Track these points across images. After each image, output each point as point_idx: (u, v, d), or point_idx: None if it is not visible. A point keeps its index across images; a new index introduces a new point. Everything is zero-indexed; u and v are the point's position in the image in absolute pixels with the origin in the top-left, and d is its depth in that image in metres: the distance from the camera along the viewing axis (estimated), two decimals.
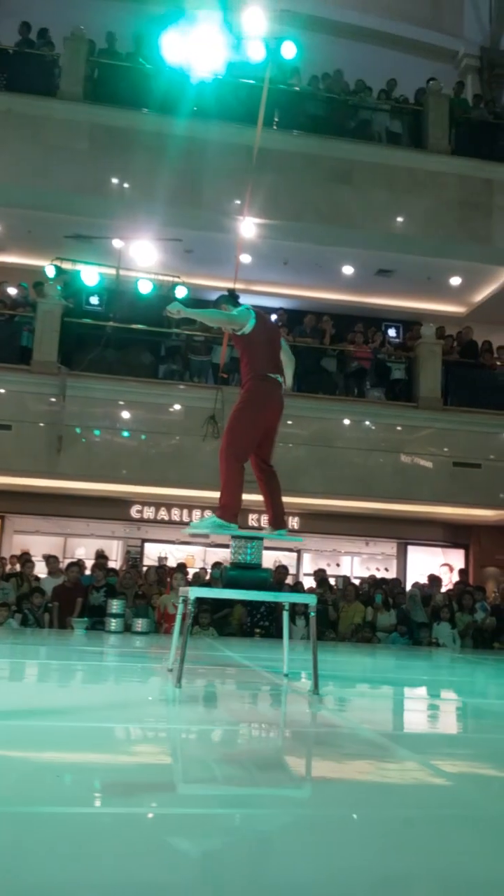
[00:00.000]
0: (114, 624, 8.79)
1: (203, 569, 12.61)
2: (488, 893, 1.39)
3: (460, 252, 13.46)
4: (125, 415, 12.32)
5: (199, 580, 10.80)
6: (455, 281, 14.45)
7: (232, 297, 4.85)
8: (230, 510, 4.46)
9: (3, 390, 11.90)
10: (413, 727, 3.94)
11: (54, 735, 2.86)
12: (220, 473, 4.56)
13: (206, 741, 3.05)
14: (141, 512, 14.50)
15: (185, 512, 14.47)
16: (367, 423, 12.86)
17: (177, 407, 12.49)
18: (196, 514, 14.38)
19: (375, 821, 1.94)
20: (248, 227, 12.43)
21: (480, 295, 14.85)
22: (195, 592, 4.33)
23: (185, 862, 1.51)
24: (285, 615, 5.00)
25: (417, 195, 13.27)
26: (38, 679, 5.17)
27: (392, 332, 15.07)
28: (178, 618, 4.66)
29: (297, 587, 11.95)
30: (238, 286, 12.01)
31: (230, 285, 11.16)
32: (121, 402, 12.28)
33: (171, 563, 13.23)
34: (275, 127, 12.98)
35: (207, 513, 14.05)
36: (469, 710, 4.60)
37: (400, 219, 13.37)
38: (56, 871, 1.42)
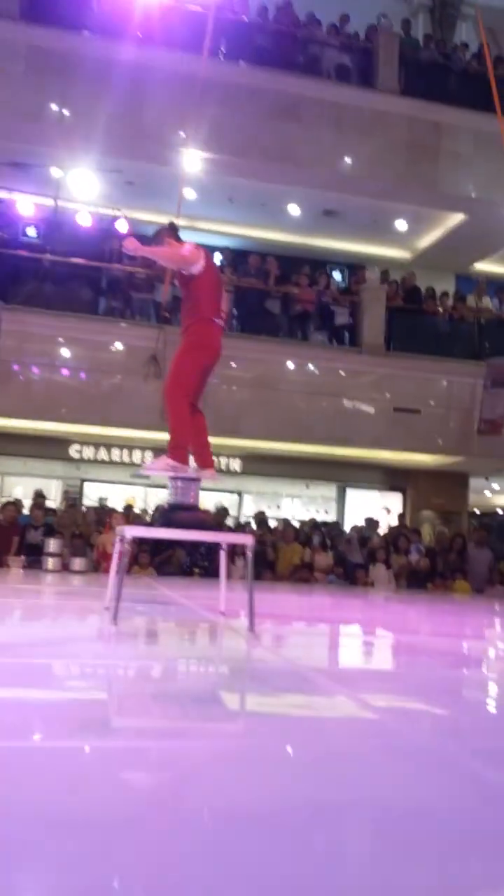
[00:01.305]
0: (51, 563, 8.74)
1: (144, 510, 12.58)
2: (413, 820, 1.42)
3: (407, 196, 13.38)
4: (64, 352, 12.04)
5: (138, 521, 10.78)
6: (401, 225, 14.39)
7: (173, 231, 4.69)
8: (182, 450, 4.45)
9: None
10: (345, 663, 4.02)
11: None
12: (167, 415, 4.51)
13: (142, 677, 3.05)
14: (80, 452, 14.31)
15: (126, 452, 14.34)
16: (311, 366, 12.85)
17: (118, 345, 12.26)
18: (137, 454, 14.27)
19: (307, 752, 1.97)
20: (192, 160, 12.10)
21: (426, 240, 14.84)
22: (131, 531, 4.30)
23: (121, 794, 1.50)
24: (222, 555, 5.01)
25: (365, 135, 13.07)
26: None
27: (337, 276, 14.98)
28: (115, 555, 4.63)
29: (237, 529, 12.04)
30: (181, 222, 11.74)
31: (173, 220, 10.89)
32: (60, 339, 11.98)
33: (112, 503, 13.16)
34: (221, 58, 12.56)
35: (148, 454, 13.97)
36: (400, 648, 4.72)
37: (347, 159, 13.18)
38: None
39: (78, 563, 9.03)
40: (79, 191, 12.64)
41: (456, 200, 13.46)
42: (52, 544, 8.91)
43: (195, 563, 10.06)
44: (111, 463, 14.38)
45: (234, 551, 9.44)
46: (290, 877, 1.15)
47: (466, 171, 13.29)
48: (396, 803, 1.54)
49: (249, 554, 4.41)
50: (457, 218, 13.93)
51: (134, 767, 1.73)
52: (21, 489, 13.66)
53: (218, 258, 13.44)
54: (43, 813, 1.35)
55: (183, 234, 4.88)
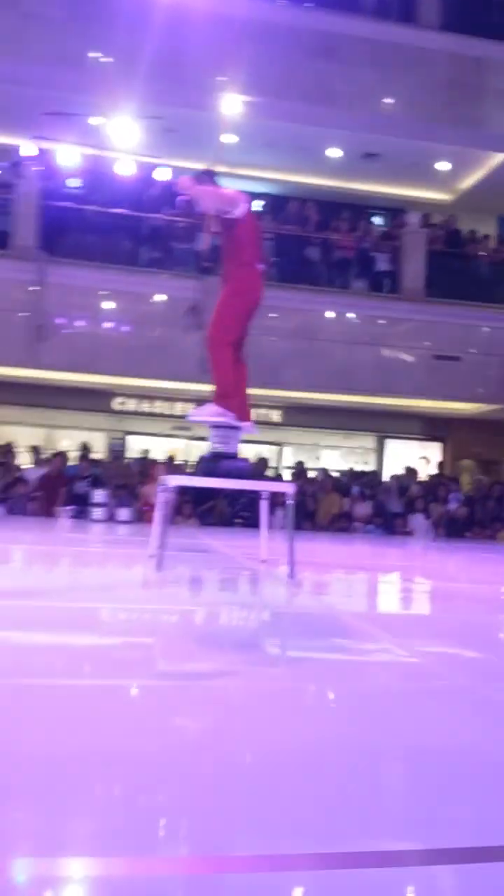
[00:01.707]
0: (97, 513, 8.96)
1: (186, 461, 12.75)
2: (452, 758, 1.51)
3: (449, 136, 13.01)
4: (107, 305, 12.12)
5: (180, 471, 10.94)
6: (443, 166, 14.03)
7: (210, 177, 4.65)
8: (227, 398, 4.46)
9: None
10: (385, 610, 4.13)
11: (42, 615, 2.99)
12: (211, 363, 4.52)
13: (186, 622, 3.19)
14: (123, 404, 14.49)
15: (168, 404, 14.48)
16: (351, 315, 12.75)
17: (159, 297, 12.29)
18: (178, 406, 14.40)
19: (348, 695, 2.07)
20: (232, 104, 11.91)
21: (468, 182, 14.46)
22: (175, 480, 4.42)
23: (167, 735, 1.60)
24: (263, 504, 5.12)
25: (406, 74, 12.70)
26: (25, 563, 5.32)
27: (377, 221, 14.72)
28: (159, 505, 4.76)
29: (277, 479, 12.14)
30: (220, 169, 11.61)
31: (212, 167, 10.79)
32: (102, 292, 12.06)
33: (154, 455, 13.34)
34: None
35: (190, 406, 14.07)
36: (439, 594, 4.81)
37: (387, 99, 12.84)
38: (51, 740, 1.51)
39: (123, 513, 9.24)
40: (119, 139, 12.55)
41: (499, 140, 13.05)
42: (98, 495, 9.13)
43: (236, 514, 10.22)
44: (153, 415, 14.54)
45: (275, 501, 9.57)
46: (333, 816, 1.23)
47: None
48: (435, 742, 1.63)
49: (290, 502, 4.49)
50: (500, 157, 13.53)
51: (179, 709, 1.84)
52: (67, 442, 13.92)
53: (258, 205, 13.29)
54: (93, 750, 1.46)
55: (222, 181, 4.85)
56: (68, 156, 11.86)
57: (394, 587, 5.22)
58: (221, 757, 1.49)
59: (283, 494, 4.67)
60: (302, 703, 1.98)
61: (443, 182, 14.62)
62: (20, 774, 1.32)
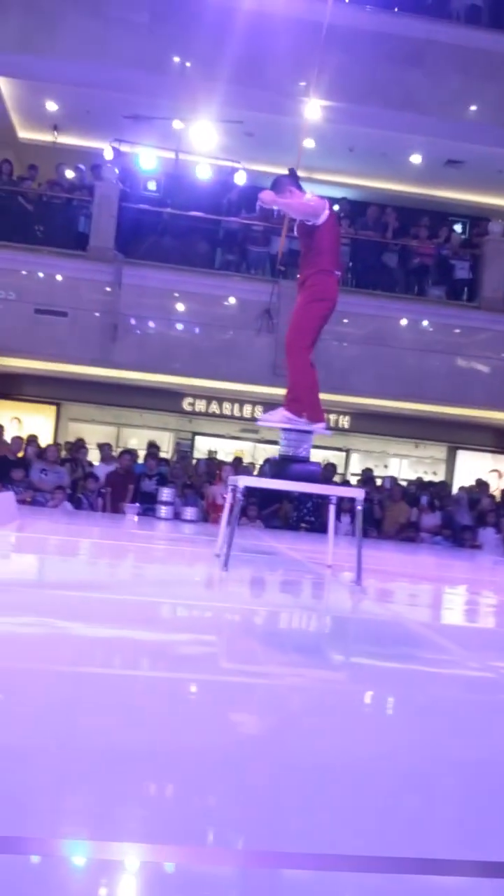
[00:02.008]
0: (164, 511, 9.02)
1: (252, 464, 12.75)
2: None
3: None
4: (180, 306, 12.23)
5: (247, 473, 10.94)
6: None
7: (294, 178, 4.64)
8: (300, 404, 4.46)
9: (59, 276, 11.87)
10: (453, 621, 4.01)
11: (107, 607, 2.99)
12: (288, 367, 4.53)
13: (249, 622, 3.15)
14: (193, 405, 14.59)
15: (237, 406, 14.52)
16: (425, 323, 12.56)
17: (232, 300, 12.34)
18: (247, 408, 14.43)
19: (411, 705, 2.00)
20: (313, 109, 11.87)
21: None
22: (245, 481, 4.40)
23: (224, 734, 1.57)
24: (331, 509, 5.05)
25: (493, 80, 12.46)
26: (92, 557, 5.38)
27: (458, 228, 14.47)
28: (227, 506, 4.75)
29: (344, 485, 12.03)
30: (300, 174, 11.59)
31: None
32: (176, 294, 12.17)
33: (221, 457, 13.40)
34: (346, 1, 12.19)
35: (259, 409, 14.09)
36: None
37: (473, 106, 12.62)
38: (110, 729, 1.49)
39: (189, 512, 9.29)
40: (199, 143, 12.67)
41: None
42: (166, 493, 9.19)
43: (302, 518, 10.15)
44: (222, 416, 14.61)
45: (341, 508, 9.47)
46: (386, 821, 1.19)
47: None
48: (499, 766, 1.55)
49: (360, 507, 4.42)
50: None
51: (239, 709, 1.80)
52: (136, 440, 14.11)
53: (336, 208, 13.24)
54: (151, 741, 1.44)
55: (304, 185, 4.83)
56: (147, 159, 12.03)
57: (462, 599, 5.08)
58: (278, 757, 1.46)
59: (350, 500, 4.59)
60: (362, 709, 1.92)
61: None
62: (79, 761, 1.31)
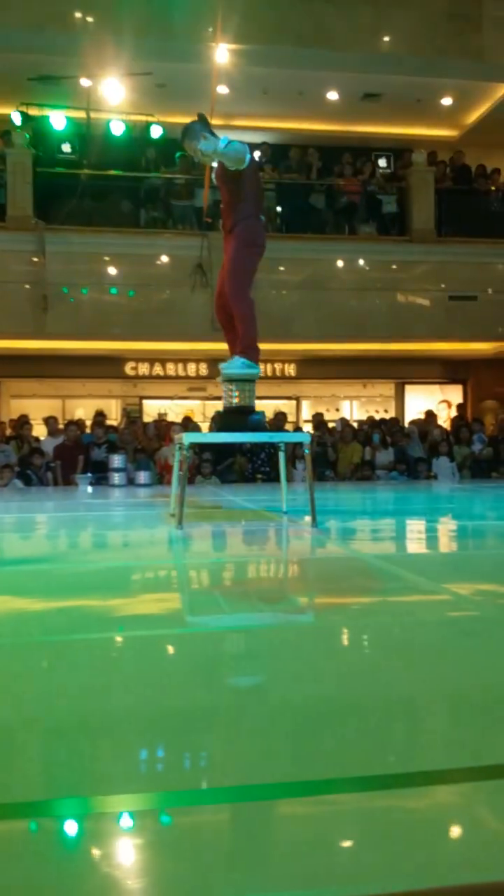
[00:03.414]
0: (116, 478, 8.94)
1: (202, 422, 12.69)
2: (498, 710, 1.42)
3: (451, 69, 12.62)
4: (111, 269, 11.98)
5: (197, 431, 10.88)
6: (446, 101, 13.64)
7: (205, 123, 4.51)
8: (255, 350, 4.46)
9: None
10: (414, 551, 4.04)
11: (67, 577, 2.94)
12: (237, 317, 4.48)
13: (207, 576, 3.13)
14: (136, 369, 14.41)
15: (181, 366, 14.38)
16: (361, 261, 12.51)
17: (163, 258, 12.12)
18: (192, 367, 14.30)
19: (383, 639, 1.99)
20: (223, 53, 11.58)
21: (473, 115, 14.06)
22: (189, 437, 4.34)
23: (199, 687, 1.55)
24: (281, 456, 5.03)
25: (403, 9, 12.27)
26: (49, 528, 5.29)
27: (382, 163, 14.38)
28: (175, 464, 4.70)
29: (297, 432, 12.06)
30: (217, 121, 11.34)
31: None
32: (105, 258, 11.91)
33: (172, 418, 13.30)
34: None
35: (203, 367, 13.96)
36: (469, 532, 4.72)
37: (385, 36, 12.43)
38: (86, 693, 1.47)
39: (142, 476, 9.22)
40: (110, 99, 12.28)
41: (503, 70, 12.63)
42: (116, 460, 9.09)
43: (257, 469, 10.15)
44: (167, 378, 14.46)
45: (295, 454, 9.49)
46: (377, 745, 1.19)
47: None
48: (477, 683, 1.55)
49: (308, 451, 4.41)
50: None
51: (213, 661, 1.78)
52: (83, 411, 13.92)
53: (257, 154, 13.02)
54: (129, 704, 1.41)
55: (219, 132, 4.70)
56: (58, 120, 11.64)
57: (420, 529, 5.13)
58: (257, 703, 1.44)
59: (302, 447, 4.58)
60: (334, 646, 1.91)
61: (447, 118, 14.23)
62: (64, 726, 1.29)
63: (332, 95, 13.48)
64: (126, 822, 0.95)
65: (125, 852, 0.87)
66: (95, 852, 0.88)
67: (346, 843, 0.90)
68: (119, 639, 1.96)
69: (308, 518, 4.33)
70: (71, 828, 0.94)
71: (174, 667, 1.73)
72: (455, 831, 0.92)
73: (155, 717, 1.32)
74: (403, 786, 1.04)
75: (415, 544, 4.30)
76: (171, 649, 1.88)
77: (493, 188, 13.21)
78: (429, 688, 1.50)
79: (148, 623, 2.14)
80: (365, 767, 1.09)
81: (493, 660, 1.69)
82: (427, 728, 1.31)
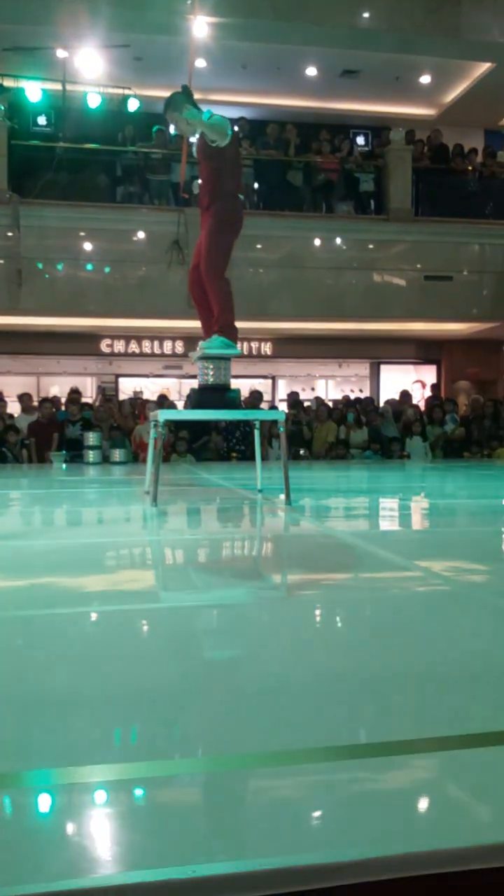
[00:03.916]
0: (91, 455, 8.91)
1: (179, 401, 12.65)
2: (465, 682, 1.45)
3: (429, 46, 12.55)
4: (86, 245, 11.84)
5: (172, 408, 10.85)
6: (425, 80, 13.58)
7: (188, 95, 4.46)
8: (234, 329, 4.46)
9: None
10: (387, 528, 4.08)
11: (40, 553, 2.94)
12: (211, 296, 4.46)
13: (184, 553, 3.14)
14: (111, 346, 14.31)
15: (157, 344, 14.30)
16: (338, 240, 12.48)
17: (139, 234, 12.01)
18: (167, 345, 14.23)
19: (353, 613, 2.02)
20: (201, 27, 11.40)
21: (451, 94, 14.02)
22: (164, 415, 4.34)
23: (172, 665, 1.56)
24: (256, 434, 5.05)
25: None
26: (22, 506, 5.27)
27: (360, 141, 14.31)
28: (151, 441, 4.69)
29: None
30: (194, 96, 11.17)
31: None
32: (81, 233, 11.77)
33: (147, 396, 13.25)
34: None
35: (179, 344, 13.90)
36: (440, 511, 4.78)
37: (364, 12, 12.31)
38: (62, 669, 1.48)
39: (117, 454, 9.19)
40: (87, 71, 12.08)
41: (482, 48, 12.59)
42: (91, 438, 9.06)
43: (232, 448, 10.16)
44: (143, 355, 14.38)
45: (272, 434, 9.50)
46: (351, 716, 1.22)
47: (492, 15, 12.34)
48: (446, 657, 1.58)
49: (282, 429, 4.43)
50: (483, 67, 13.08)
51: (187, 636, 1.80)
52: (58, 388, 13.82)
53: (235, 129, 12.90)
54: (103, 678, 1.42)
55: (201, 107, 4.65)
56: (33, 92, 11.43)
57: (392, 507, 5.18)
58: (230, 677, 1.46)
59: (277, 425, 4.59)
60: (307, 622, 1.93)
61: (426, 96, 14.18)
62: (37, 700, 1.30)
63: (311, 71, 13.37)
64: (99, 793, 0.96)
65: (98, 823, 0.89)
66: (68, 824, 0.89)
67: (317, 812, 0.92)
68: (93, 614, 1.97)
69: (282, 496, 4.35)
70: (44, 800, 0.95)
71: (148, 642, 1.74)
72: (422, 800, 0.95)
73: (128, 691, 1.34)
74: (372, 755, 1.06)
75: (387, 522, 4.35)
76: (144, 624, 1.90)
77: (469, 168, 13.21)
78: (399, 661, 1.53)
79: (121, 599, 2.15)
80: (335, 738, 1.12)
81: (461, 634, 1.73)
82: (397, 700, 1.34)
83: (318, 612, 2.04)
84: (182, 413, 4.89)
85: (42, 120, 12.58)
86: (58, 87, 11.92)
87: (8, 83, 11.50)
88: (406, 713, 1.27)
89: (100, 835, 0.85)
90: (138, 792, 0.98)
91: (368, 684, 1.38)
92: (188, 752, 1.10)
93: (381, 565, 2.72)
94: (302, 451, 10.43)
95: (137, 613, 1.97)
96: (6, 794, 0.97)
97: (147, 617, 1.95)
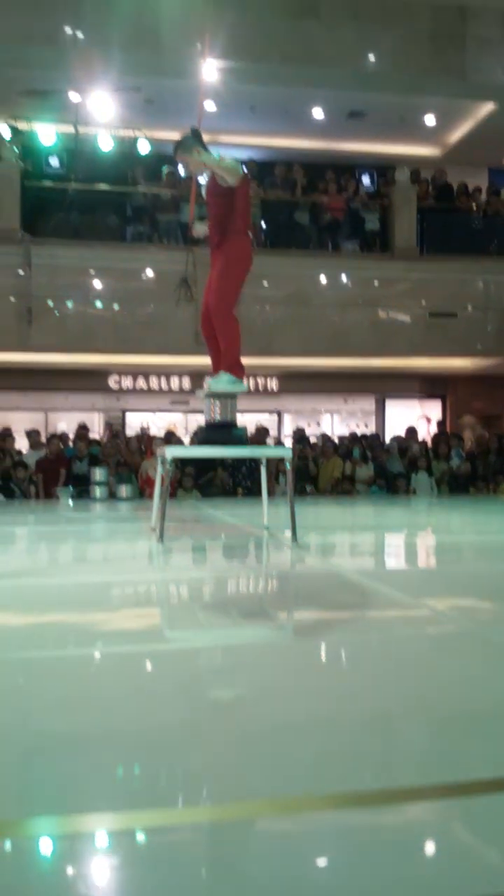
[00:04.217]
0: (98, 491, 8.93)
1: (185, 436, 12.70)
2: (472, 725, 1.45)
3: (434, 88, 12.77)
4: (96, 283, 12.00)
5: (178, 443, 10.88)
6: (429, 120, 13.79)
7: (199, 138, 4.55)
8: (240, 367, 4.52)
9: None
10: (391, 567, 4.08)
11: (47, 592, 2.95)
12: (221, 334, 4.51)
13: (190, 591, 3.14)
14: (119, 382, 14.40)
15: (164, 380, 14.39)
16: (343, 278, 12.61)
17: (148, 272, 12.16)
18: (175, 381, 14.33)
19: (357, 651, 2.02)
20: (211, 70, 11.67)
21: (456, 134, 14.23)
22: (171, 452, 4.36)
23: (179, 702, 1.56)
24: (263, 470, 5.07)
25: (387, 28, 12.42)
26: (29, 543, 5.29)
27: (366, 180, 14.51)
28: (158, 478, 4.71)
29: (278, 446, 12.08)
30: (204, 138, 11.39)
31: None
32: (91, 271, 11.93)
33: (154, 432, 13.30)
34: None
35: (186, 380, 13.99)
36: (445, 548, 4.77)
37: (370, 55, 12.57)
38: (67, 711, 1.48)
39: (124, 490, 9.21)
40: (98, 114, 12.35)
41: (486, 89, 12.81)
42: (98, 473, 9.09)
43: (238, 483, 10.17)
44: (150, 391, 14.47)
45: (278, 469, 9.52)
46: (355, 760, 1.21)
47: (495, 57, 12.59)
48: (448, 687, 1.58)
49: (289, 466, 4.44)
50: (487, 108, 13.30)
51: (192, 677, 1.80)
52: (65, 424, 13.88)
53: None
54: (107, 719, 1.42)
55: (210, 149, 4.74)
56: (47, 134, 11.67)
57: (398, 545, 5.17)
58: (234, 718, 1.46)
59: (283, 460, 4.61)
60: (312, 661, 1.93)
61: (431, 136, 14.39)
62: (41, 743, 1.30)
63: (318, 113, 13.61)
64: (101, 841, 0.96)
65: (100, 872, 0.88)
66: (70, 873, 0.88)
67: (321, 861, 0.91)
68: (97, 654, 1.98)
69: (288, 533, 4.36)
70: (45, 847, 0.94)
71: (153, 683, 1.74)
72: (428, 848, 0.94)
73: (132, 735, 1.34)
74: (378, 803, 1.05)
75: (393, 559, 4.34)
76: (149, 665, 1.90)
77: (474, 206, 13.37)
78: (405, 704, 1.53)
79: (127, 638, 2.16)
80: (341, 783, 1.11)
81: (469, 675, 1.73)
82: (403, 744, 1.33)
83: (323, 652, 2.04)
84: (189, 450, 4.91)
85: (54, 161, 12.82)
86: (70, 129, 12.18)
87: (21, 126, 11.76)
88: (412, 757, 1.27)
89: (101, 884, 0.85)
90: (140, 839, 0.98)
91: (374, 727, 1.38)
92: (192, 797, 1.10)
93: (387, 604, 2.72)
94: (308, 487, 10.43)
95: (142, 654, 1.98)
96: (6, 840, 0.96)
97: (152, 657, 1.96)
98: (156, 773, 1.17)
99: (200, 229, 4.80)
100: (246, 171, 4.56)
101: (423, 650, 2.01)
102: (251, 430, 11.19)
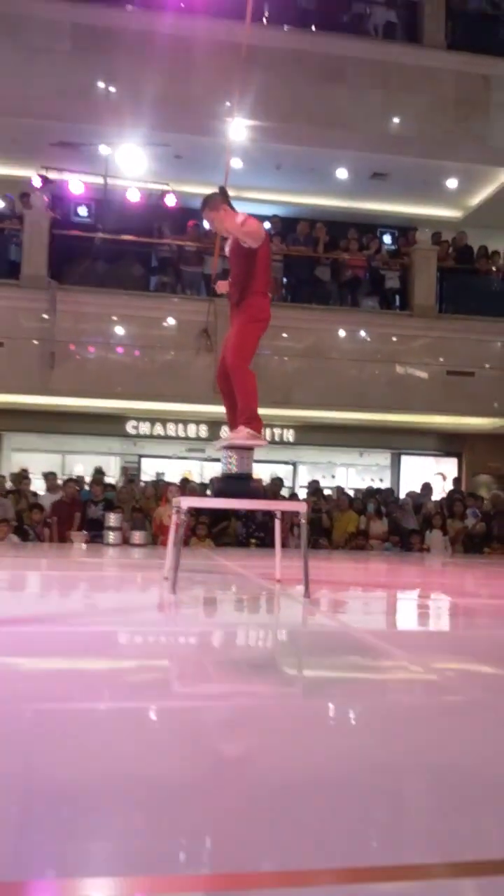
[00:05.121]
0: (112, 537, 8.94)
1: (202, 484, 12.73)
2: (470, 774, 1.45)
3: (457, 153, 13.09)
4: (118, 330, 12.20)
5: (193, 492, 10.91)
6: (451, 183, 14.08)
7: (225, 197, 4.67)
8: (258, 421, 4.55)
9: None
10: (402, 627, 4.06)
11: (56, 640, 2.95)
12: (236, 388, 4.57)
13: (201, 644, 3.14)
14: (137, 427, 14.53)
15: (181, 427, 14.50)
16: (362, 333, 12.75)
17: (170, 321, 12.36)
18: (192, 428, 14.43)
19: (368, 715, 2.01)
20: (239, 129, 12.02)
21: (477, 198, 14.50)
22: (187, 502, 4.39)
23: (186, 759, 1.56)
24: (277, 523, 5.08)
25: (412, 93, 12.80)
26: (40, 588, 5.30)
27: (387, 239, 14.77)
28: (172, 526, 4.73)
29: (292, 499, 12.09)
30: (229, 193, 11.65)
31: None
32: (113, 318, 12.14)
33: (169, 478, 13.35)
34: (265, 22, 12.41)
35: (203, 428, 14.09)
36: (457, 611, 4.73)
37: (395, 119, 12.92)
38: (70, 764, 1.48)
39: (138, 536, 9.23)
40: (127, 167, 12.70)
41: None
42: (113, 519, 9.12)
43: (251, 534, 10.16)
44: (167, 438, 14.57)
45: (291, 521, 9.52)
46: (357, 832, 1.19)
47: None
48: (454, 757, 1.57)
49: (303, 521, 4.46)
50: None
51: (198, 732, 1.80)
52: (81, 467, 13.98)
53: (266, 226, 13.39)
54: (112, 772, 1.43)
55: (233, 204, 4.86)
56: (76, 185, 12.01)
57: (411, 604, 5.14)
58: (239, 778, 1.45)
59: (297, 514, 4.63)
60: (319, 722, 1.93)
61: (452, 199, 14.67)
62: (41, 799, 1.28)
63: (342, 173, 13.94)
64: None
65: None
66: None
67: None
68: (103, 707, 1.98)
69: (300, 587, 4.35)
70: None
71: (158, 738, 1.74)
72: None
73: (136, 793, 1.32)
74: (385, 879, 1.03)
75: (405, 620, 4.32)
76: (156, 719, 1.90)
77: (493, 269, 13.55)
78: (413, 772, 1.52)
79: (134, 691, 2.16)
80: (348, 856, 1.10)
81: (477, 744, 1.72)
82: (412, 815, 1.32)
83: (331, 713, 2.03)
84: (205, 501, 4.94)
85: (83, 211, 13.16)
86: (99, 180, 12.52)
87: (52, 175, 12.10)
88: (422, 830, 1.24)
89: None
90: None
91: (381, 795, 1.37)
92: (191, 863, 1.08)
93: (398, 667, 2.70)
94: (321, 540, 10.40)
95: (149, 707, 1.98)
96: None
97: (159, 711, 1.96)
98: (156, 834, 1.16)
99: (222, 286, 4.91)
100: (267, 231, 4.66)
101: (433, 717, 2.00)
102: (266, 480, 11.22)
